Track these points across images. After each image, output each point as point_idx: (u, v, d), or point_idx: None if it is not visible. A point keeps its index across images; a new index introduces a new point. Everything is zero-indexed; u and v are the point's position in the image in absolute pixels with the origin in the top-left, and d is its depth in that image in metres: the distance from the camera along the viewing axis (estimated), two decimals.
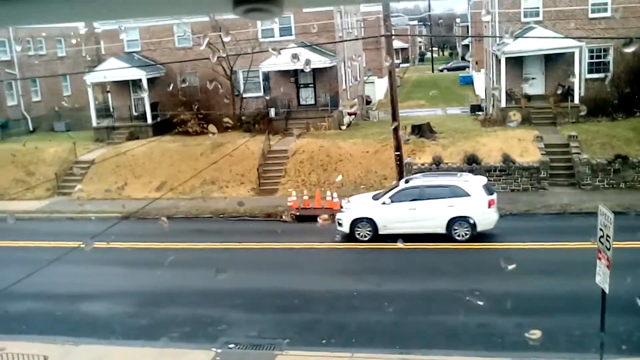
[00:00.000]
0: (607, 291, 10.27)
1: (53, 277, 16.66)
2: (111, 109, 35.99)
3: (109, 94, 36.51)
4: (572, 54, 29.12)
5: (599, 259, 10.47)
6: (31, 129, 39.71)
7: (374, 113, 41.32)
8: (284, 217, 22.73)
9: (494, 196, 18.92)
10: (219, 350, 12.74)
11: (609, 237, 10.12)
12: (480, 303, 13.21)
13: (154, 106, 33.92)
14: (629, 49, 24.28)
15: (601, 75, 30.57)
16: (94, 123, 34.57)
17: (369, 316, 14.04)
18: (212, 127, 29.24)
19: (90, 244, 17.13)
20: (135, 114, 35.10)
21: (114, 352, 13.16)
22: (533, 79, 31.81)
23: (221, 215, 23.84)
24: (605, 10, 30.06)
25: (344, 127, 33.38)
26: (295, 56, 26.23)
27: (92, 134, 34.51)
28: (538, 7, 30.92)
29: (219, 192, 26.60)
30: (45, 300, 16.37)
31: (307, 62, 25.67)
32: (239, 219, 23.39)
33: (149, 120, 33.61)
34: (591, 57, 30.83)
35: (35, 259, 16.87)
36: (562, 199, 22.44)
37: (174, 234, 22.37)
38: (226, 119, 30.56)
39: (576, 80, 29.15)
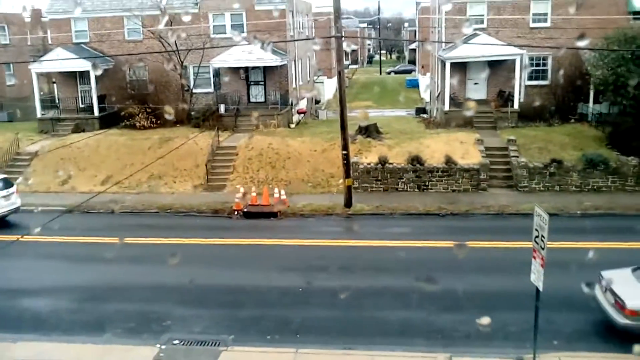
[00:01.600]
0: (540, 289, 10.89)
1: None
2: (57, 100, 35.20)
3: (55, 85, 35.69)
4: (514, 61, 30.33)
5: (534, 257, 11.05)
6: None
7: (323, 112, 41.81)
8: (233, 217, 22.89)
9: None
10: (163, 347, 12.76)
11: (544, 237, 10.68)
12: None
13: (101, 98, 33.41)
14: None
15: (540, 82, 31.98)
16: (39, 114, 33.77)
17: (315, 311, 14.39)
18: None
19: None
20: (81, 105, 34.47)
21: (55, 349, 12.96)
22: (476, 84, 32.95)
23: (168, 210, 23.78)
24: (545, 20, 31.45)
25: (293, 126, 33.71)
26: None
27: (36, 125, 33.70)
28: (483, 15, 32.05)
29: (166, 187, 26.48)
30: None
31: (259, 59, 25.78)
32: (186, 215, 23.41)
33: (96, 113, 33.08)
34: (531, 65, 32.20)
35: None
36: (501, 200, 23.42)
37: (119, 228, 22.22)
38: (181, 113, 30.45)
39: (516, 87, 30.38)
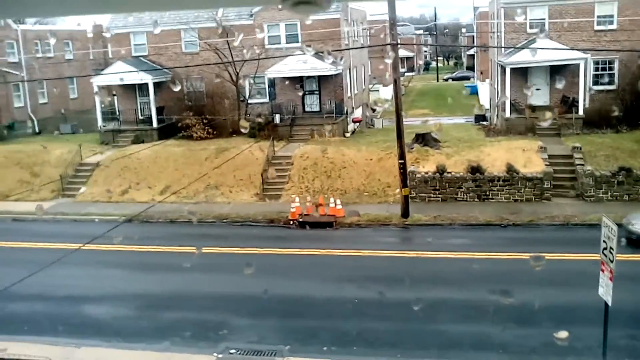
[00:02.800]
0: (609, 303, 10.26)
1: (55, 279, 16.72)
2: (117, 112, 36.15)
3: (115, 97, 36.67)
4: (577, 65, 29.17)
5: (602, 270, 10.47)
6: (37, 130, 39.89)
7: (379, 121, 41.40)
8: (291, 223, 22.76)
9: None
10: (220, 356, 12.72)
11: (612, 249, 10.11)
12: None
13: (159, 110, 34.06)
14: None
15: (606, 87, 30.62)
16: (100, 126, 34.73)
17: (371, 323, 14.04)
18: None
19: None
20: (140, 117, 35.24)
21: (116, 355, 13.15)
22: (537, 89, 31.88)
23: (224, 220, 23.88)
24: (612, 22, 30.13)
25: (348, 134, 33.46)
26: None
27: (98, 137, 34.67)
28: (544, 19, 31.02)
29: (222, 197, 26.65)
30: (47, 301, 16.41)
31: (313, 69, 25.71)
32: (242, 224, 23.44)
33: (155, 124, 33.74)
34: (596, 69, 30.89)
35: (38, 260, 16.97)
36: (565, 210, 22.43)
37: (177, 237, 22.44)
38: (237, 124, 30.74)
39: (581, 92, 29.19)
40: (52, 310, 15.93)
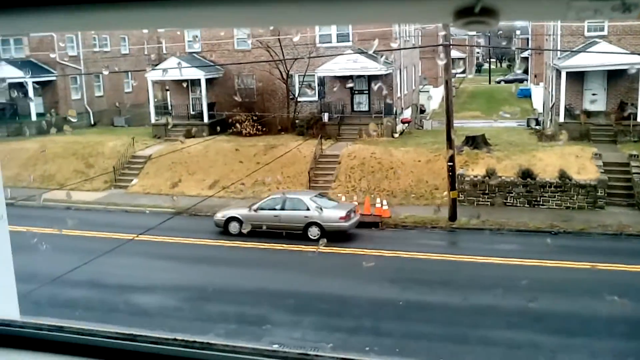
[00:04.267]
0: None
1: (108, 267, 17.21)
2: (169, 107, 36.93)
3: (168, 92, 37.47)
4: (637, 70, 28.20)
5: None
6: (92, 122, 41.15)
7: (428, 122, 41.02)
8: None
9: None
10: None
11: None
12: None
13: (210, 106, 34.63)
14: None
15: None
16: (153, 120, 35.56)
17: None
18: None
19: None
20: (192, 112, 35.90)
21: None
22: (594, 94, 30.99)
23: None
24: None
25: (396, 135, 33.27)
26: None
27: (151, 130, 35.50)
28: (603, 22, 30.09)
29: (269, 193, 26.87)
30: (99, 289, 16.90)
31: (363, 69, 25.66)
32: None
33: (206, 120, 34.32)
34: None
35: (92, 249, 17.51)
36: (620, 219, 21.74)
37: (223, 232, 22.76)
38: (286, 121, 30.93)
39: None
40: (103, 297, 16.39)
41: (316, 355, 1.74)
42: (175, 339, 1.79)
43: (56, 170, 30.76)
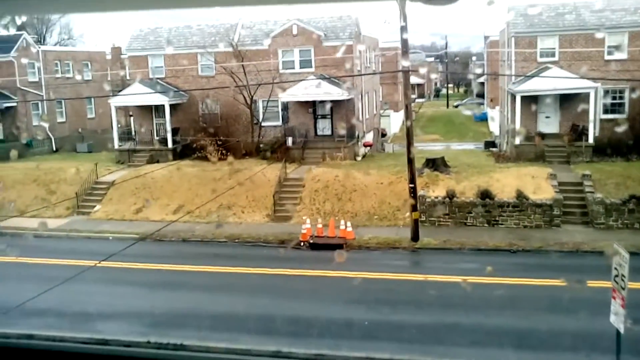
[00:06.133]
0: (622, 331, 10.36)
1: (70, 295, 17.02)
2: (133, 133, 36.79)
3: (132, 118, 37.37)
4: (588, 94, 29.48)
5: (614, 298, 10.58)
6: (54, 148, 40.62)
7: (389, 146, 41.79)
8: (302, 245, 22.98)
9: None
10: None
11: (624, 277, 10.24)
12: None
13: (175, 131, 34.66)
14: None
15: (616, 116, 30.87)
16: (116, 145, 35.36)
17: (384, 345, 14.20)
18: (230, 158, 30.11)
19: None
20: (156, 138, 35.85)
21: None
22: (547, 117, 32.19)
23: (236, 240, 24.18)
24: (622, 52, 30.49)
25: (359, 158, 33.84)
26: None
27: (114, 156, 35.26)
28: (554, 48, 31.44)
29: (234, 217, 26.99)
30: (60, 317, 16.67)
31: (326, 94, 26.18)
32: (254, 245, 23.72)
33: (170, 145, 34.30)
34: (606, 98, 31.19)
35: (53, 276, 17.30)
36: (575, 237, 22.53)
37: (189, 256, 22.74)
38: (250, 146, 31.13)
39: (591, 120, 29.47)
40: (66, 325, 16.16)
41: (289, 352, 1.77)
42: (148, 342, 1.75)
43: (16, 196, 30.25)
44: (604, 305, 10.89)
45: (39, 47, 41.64)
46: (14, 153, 36.06)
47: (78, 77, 42.60)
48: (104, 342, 1.75)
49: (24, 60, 38.82)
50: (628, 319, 10.39)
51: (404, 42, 22.05)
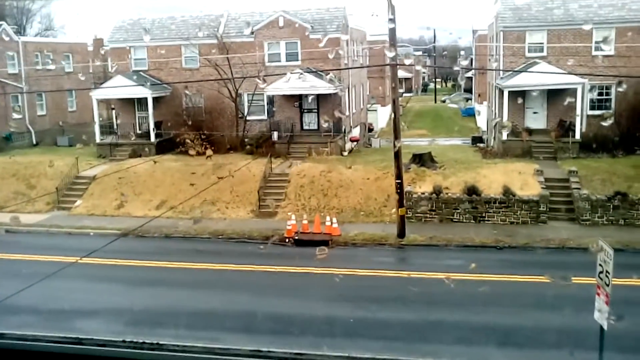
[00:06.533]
0: (605, 327, 10.22)
1: (49, 291, 16.60)
2: (115, 126, 36.19)
3: (114, 111, 36.75)
4: (575, 90, 29.38)
5: (598, 294, 10.45)
6: (34, 142, 39.89)
7: (376, 141, 41.54)
8: (287, 241, 22.66)
9: None
10: None
11: (609, 273, 10.11)
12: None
13: (157, 125, 34.12)
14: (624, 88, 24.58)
15: (603, 112, 30.82)
16: (98, 139, 34.75)
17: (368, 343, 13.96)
18: (208, 151, 29.70)
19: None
20: (139, 131, 35.27)
21: None
22: (535, 113, 32.08)
23: (220, 236, 23.80)
24: (609, 48, 30.41)
25: (345, 153, 33.53)
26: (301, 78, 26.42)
27: (95, 150, 34.66)
28: (542, 43, 31.30)
29: (218, 213, 26.59)
30: (38, 314, 16.26)
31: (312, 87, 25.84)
32: (238, 241, 23.36)
33: (152, 139, 33.77)
34: (593, 94, 31.12)
35: (32, 273, 16.86)
36: (561, 233, 22.43)
37: (172, 253, 22.34)
38: (235, 140, 30.76)
39: (578, 116, 29.38)
40: (43, 323, 15.76)
41: (269, 351, 1.76)
42: (124, 341, 1.76)
43: None
44: (589, 301, 10.71)
45: (19, 38, 40.81)
46: None
47: (59, 69, 41.83)
48: (78, 342, 1.73)
49: (3, 51, 38.01)
50: (612, 316, 10.23)
51: (392, 33, 21.70)
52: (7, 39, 38.65)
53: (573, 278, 17.10)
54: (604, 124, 28.24)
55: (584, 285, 13.69)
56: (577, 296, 14.84)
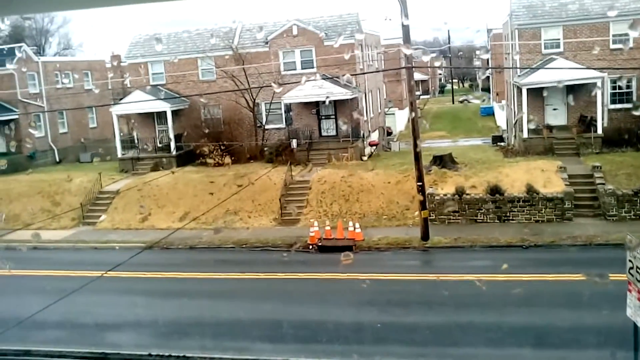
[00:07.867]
0: (639, 324, 10.05)
1: (78, 306, 16.77)
2: (136, 140, 36.57)
3: (134, 126, 37.14)
4: (594, 84, 29.02)
5: (630, 291, 10.28)
6: (57, 159, 40.45)
7: (395, 144, 41.42)
8: (310, 248, 22.65)
9: None
10: None
11: (639, 269, 9.94)
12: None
13: (178, 137, 34.41)
14: None
15: (625, 105, 30.38)
16: (119, 154, 35.15)
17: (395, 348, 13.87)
18: (226, 159, 29.98)
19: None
20: (159, 145, 35.60)
21: None
22: (555, 109, 31.74)
23: (244, 246, 23.88)
24: (627, 40, 29.98)
25: (365, 158, 33.48)
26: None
27: (117, 165, 35.05)
28: (559, 39, 31.01)
29: (241, 222, 26.69)
30: (70, 329, 16.44)
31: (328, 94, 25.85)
32: (262, 249, 23.41)
33: (173, 152, 34.05)
34: (614, 88, 30.70)
35: (60, 288, 17.04)
36: (588, 230, 22.13)
37: (197, 264, 22.47)
38: (254, 150, 30.92)
39: (599, 111, 29.01)
40: (74, 338, 15.93)
41: None
42: (150, 355, 1.78)
43: (21, 209, 30.07)
44: (621, 298, 10.53)
45: (39, 59, 41.49)
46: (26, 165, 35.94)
47: (78, 87, 42.42)
48: (104, 357, 1.68)
49: (24, 72, 38.65)
50: None
51: (406, 31, 21.56)
52: (27, 60, 39.32)
53: (603, 275, 16.86)
54: (627, 118, 27.83)
55: (617, 282, 13.49)
56: (612, 293, 14.61)
